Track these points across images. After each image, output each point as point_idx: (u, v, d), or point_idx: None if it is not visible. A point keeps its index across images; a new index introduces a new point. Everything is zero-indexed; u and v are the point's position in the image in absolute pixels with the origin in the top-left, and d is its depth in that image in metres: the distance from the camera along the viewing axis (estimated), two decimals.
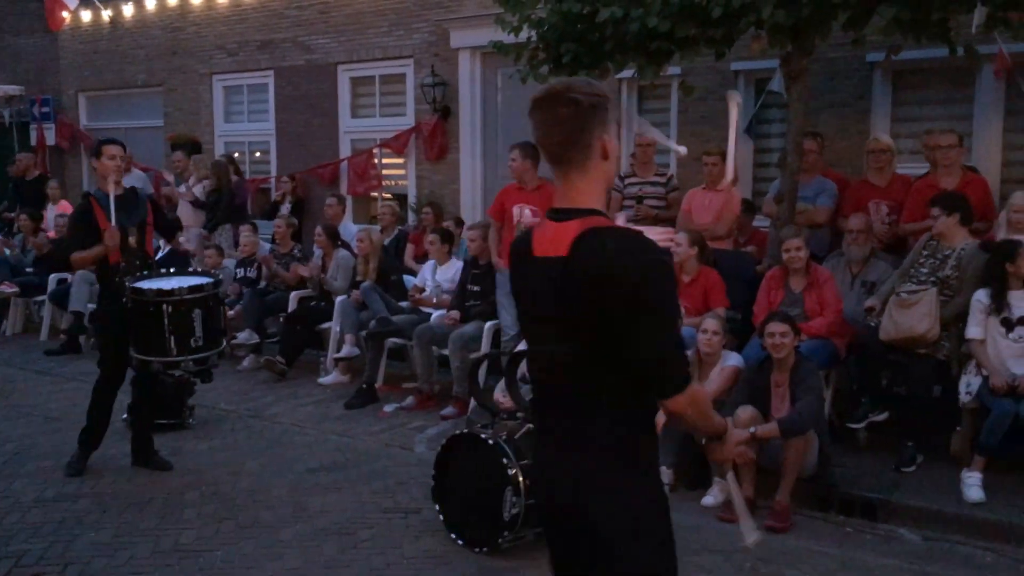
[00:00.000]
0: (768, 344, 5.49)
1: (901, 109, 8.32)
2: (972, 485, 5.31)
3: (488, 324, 7.46)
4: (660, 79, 7.96)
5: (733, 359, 5.90)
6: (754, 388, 5.57)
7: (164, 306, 5.35)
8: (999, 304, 5.60)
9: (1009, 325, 5.59)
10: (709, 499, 5.59)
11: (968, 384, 5.64)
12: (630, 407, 2.30)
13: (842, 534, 5.22)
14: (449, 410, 7.32)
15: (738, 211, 7.47)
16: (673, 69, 7.85)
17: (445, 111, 10.68)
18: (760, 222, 7.98)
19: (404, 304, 8.34)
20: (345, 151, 11.77)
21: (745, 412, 5.38)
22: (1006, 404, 5.33)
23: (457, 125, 10.71)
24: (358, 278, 8.57)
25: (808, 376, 5.43)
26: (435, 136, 10.78)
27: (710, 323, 5.91)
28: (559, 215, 2.36)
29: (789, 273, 6.36)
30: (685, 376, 2.27)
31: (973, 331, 5.68)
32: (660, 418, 5.30)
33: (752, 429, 5.26)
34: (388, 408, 7.59)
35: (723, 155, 7.61)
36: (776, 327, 5.43)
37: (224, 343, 5.77)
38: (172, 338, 5.36)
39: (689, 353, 5.97)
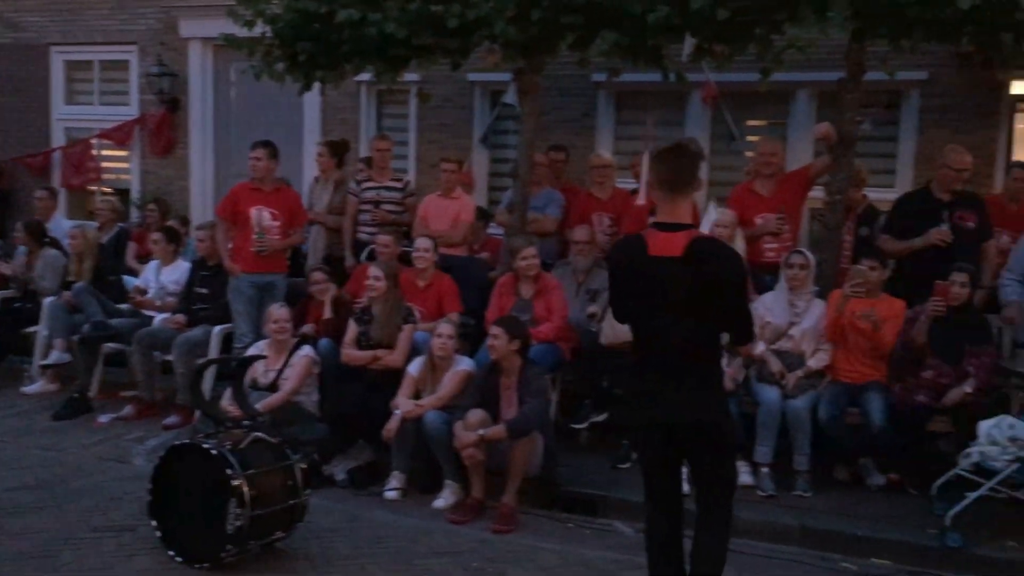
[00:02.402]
0: (488, 346, 5.67)
1: (623, 128, 8.89)
2: (683, 480, 5.74)
3: (217, 328, 7.14)
4: (399, 85, 8.00)
5: (465, 363, 6.02)
6: (484, 391, 5.71)
7: None
8: None
9: None
10: (440, 502, 5.68)
11: None
12: (716, 353, 3.63)
13: (564, 530, 5.47)
14: (172, 419, 6.93)
15: (472, 218, 7.64)
16: (412, 76, 7.92)
17: (173, 103, 10.16)
18: (494, 230, 8.22)
19: (124, 307, 7.81)
20: (58, 140, 10.88)
21: (475, 415, 5.51)
22: None
23: (187, 118, 10.21)
24: (70, 278, 7.92)
25: (535, 379, 5.65)
26: (162, 129, 10.23)
27: (444, 328, 6.00)
28: (667, 227, 3.51)
29: (520, 280, 6.60)
30: (752, 330, 3.76)
31: None
32: (393, 423, 5.60)
33: (481, 432, 5.40)
34: (103, 418, 7.09)
35: (460, 163, 7.80)
36: (494, 330, 5.62)
37: None
38: None
39: (423, 359, 6.04)
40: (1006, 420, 5.11)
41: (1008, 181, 7.07)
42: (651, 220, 3.84)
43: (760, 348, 6.04)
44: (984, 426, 5.13)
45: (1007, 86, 7.79)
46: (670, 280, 3.45)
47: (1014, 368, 5.84)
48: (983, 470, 5.07)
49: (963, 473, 5.16)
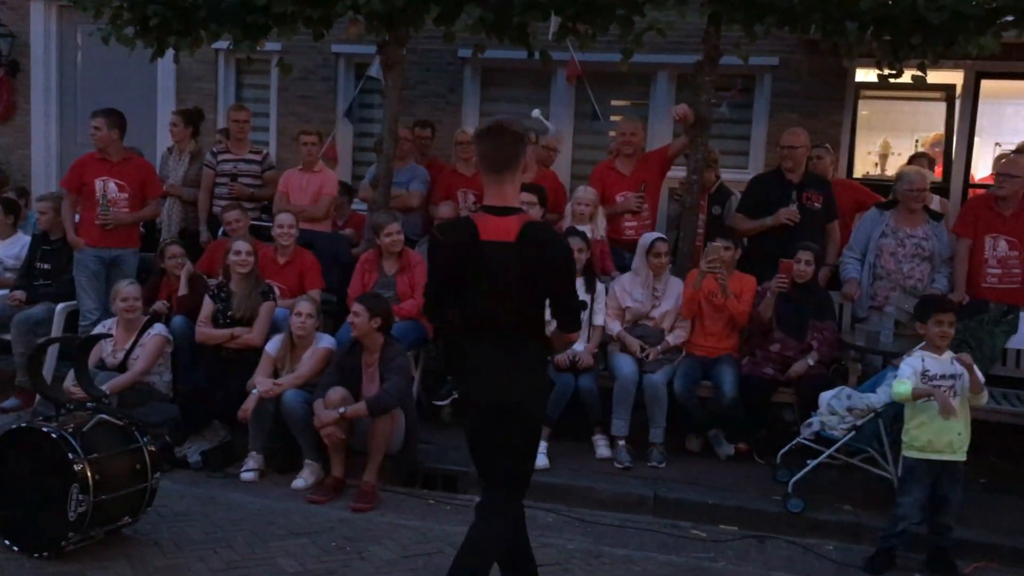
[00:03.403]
0: (349, 323, 5.60)
1: (489, 104, 8.89)
2: (539, 453, 5.82)
3: (60, 306, 6.77)
4: (259, 54, 7.75)
5: (326, 341, 5.92)
6: (345, 369, 5.63)
7: None
8: None
9: None
10: (299, 482, 5.58)
11: None
12: (541, 336, 3.58)
13: (424, 507, 5.47)
14: (11, 402, 6.57)
15: (335, 193, 7.50)
16: (274, 45, 7.68)
17: (13, 66, 9.60)
18: (358, 205, 8.09)
19: None
20: None
21: (336, 393, 5.43)
22: (567, 378, 5.93)
23: (28, 83, 9.63)
24: None
25: (396, 357, 5.60)
26: (0, 93, 9.58)
27: (303, 306, 5.87)
28: (498, 211, 3.43)
29: (383, 256, 6.52)
30: (579, 317, 3.68)
31: None
32: (250, 403, 5.44)
33: (341, 410, 5.33)
34: None
35: (321, 135, 7.62)
36: (355, 307, 5.55)
37: None
38: None
39: (282, 336, 5.91)
40: (844, 391, 5.39)
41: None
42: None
43: (616, 329, 6.20)
44: (824, 397, 5.40)
45: (852, 73, 8.20)
46: (501, 265, 3.39)
47: (852, 342, 6.17)
48: (823, 439, 5.34)
49: (804, 442, 5.43)
